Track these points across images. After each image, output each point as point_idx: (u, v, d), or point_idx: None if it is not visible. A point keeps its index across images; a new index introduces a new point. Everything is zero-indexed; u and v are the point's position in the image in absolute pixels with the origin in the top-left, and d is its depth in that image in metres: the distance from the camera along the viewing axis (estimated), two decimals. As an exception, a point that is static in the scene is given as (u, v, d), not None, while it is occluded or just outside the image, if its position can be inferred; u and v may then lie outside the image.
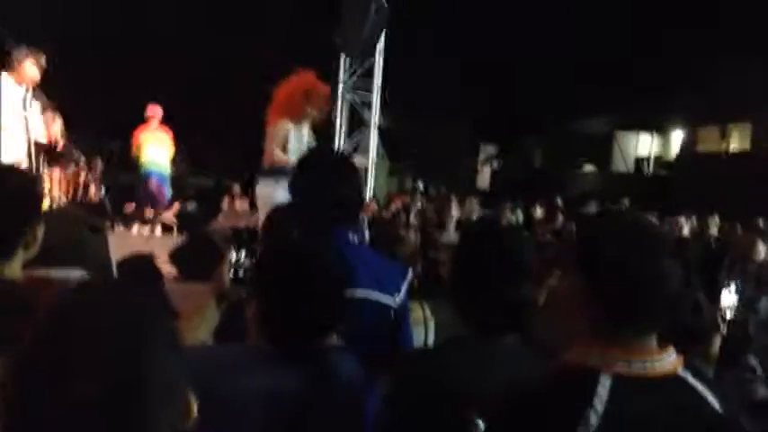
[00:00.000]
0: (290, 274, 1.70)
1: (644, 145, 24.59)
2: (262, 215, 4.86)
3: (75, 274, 1.72)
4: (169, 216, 10.40)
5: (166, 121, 9.40)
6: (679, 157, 21.41)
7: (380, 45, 9.24)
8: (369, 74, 9.52)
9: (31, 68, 6.01)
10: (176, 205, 10.64)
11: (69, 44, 12.18)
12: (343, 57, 9.31)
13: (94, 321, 0.85)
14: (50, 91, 6.56)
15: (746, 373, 2.91)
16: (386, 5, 8.48)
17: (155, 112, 9.40)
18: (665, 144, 23.92)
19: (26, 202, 1.60)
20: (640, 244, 1.25)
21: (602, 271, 1.25)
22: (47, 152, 6.28)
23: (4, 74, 6.01)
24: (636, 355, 1.24)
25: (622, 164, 24.21)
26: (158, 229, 9.88)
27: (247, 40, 12.62)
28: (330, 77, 9.54)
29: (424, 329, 2.92)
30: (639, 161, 24.37)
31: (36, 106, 6.18)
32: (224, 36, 12.74)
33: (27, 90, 6.05)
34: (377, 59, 9.40)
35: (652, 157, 24.00)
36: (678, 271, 1.27)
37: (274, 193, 4.85)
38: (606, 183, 20.68)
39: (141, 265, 2.02)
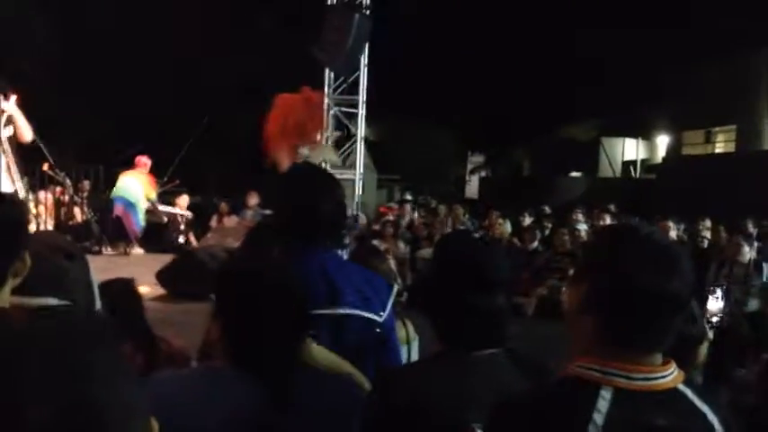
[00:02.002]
0: (245, 294, 1.66)
1: (630, 149, 24.76)
2: None
3: (53, 302, 1.71)
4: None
5: (151, 150, 9.96)
6: (665, 160, 21.56)
7: (364, 58, 9.25)
8: (354, 87, 9.53)
9: None
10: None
11: (59, 67, 12.18)
12: (327, 70, 9.32)
13: (42, 350, 0.85)
14: (38, 114, 6.58)
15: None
16: (368, 18, 8.50)
17: (143, 162, 10.08)
18: (652, 148, 24.09)
19: (14, 228, 1.58)
20: (654, 260, 1.23)
21: (612, 284, 1.23)
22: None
23: None
24: (638, 370, 1.23)
25: (610, 169, 24.36)
26: (136, 250, 10.03)
27: (235, 58, 12.65)
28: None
29: (407, 348, 2.91)
30: (626, 165, 24.53)
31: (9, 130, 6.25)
32: (211, 53, 12.77)
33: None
34: (361, 72, 9.41)
35: (639, 161, 24.16)
36: (689, 289, 1.25)
37: None
38: (594, 188, 20.78)
39: (121, 288, 2.00)
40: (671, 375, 1.26)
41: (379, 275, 2.57)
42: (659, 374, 1.24)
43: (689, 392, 1.26)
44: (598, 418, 1.19)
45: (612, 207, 11.54)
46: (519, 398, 1.34)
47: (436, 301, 1.77)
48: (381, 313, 2.23)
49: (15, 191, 6.26)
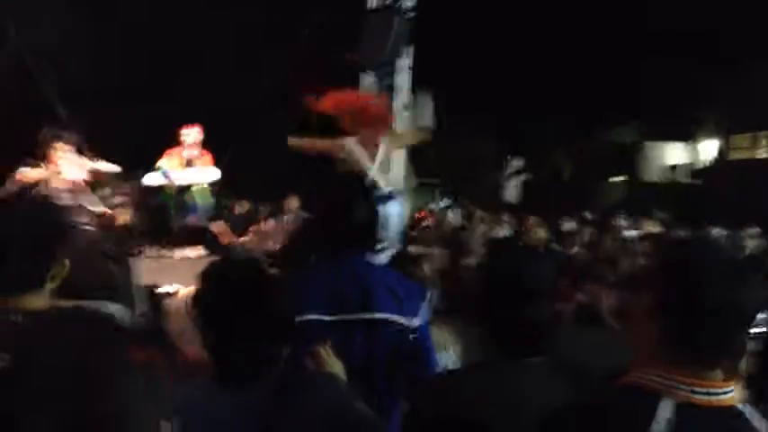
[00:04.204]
0: (223, 301, 1.66)
1: (674, 154, 24.30)
2: None
3: (104, 305, 1.76)
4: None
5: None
6: (711, 165, 21.12)
7: (403, 62, 9.26)
8: (390, 91, 9.53)
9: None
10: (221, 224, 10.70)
11: (98, 74, 12.46)
12: (364, 74, 9.35)
13: (60, 355, 0.87)
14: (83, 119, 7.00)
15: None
16: (408, 21, 8.51)
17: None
18: (696, 152, 23.62)
19: (51, 233, 1.62)
20: (723, 271, 1.24)
21: (680, 292, 1.24)
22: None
23: None
24: (701, 384, 1.22)
25: (653, 173, 23.94)
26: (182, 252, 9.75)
27: (272, 59, 12.77)
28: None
29: (445, 353, 2.91)
30: (670, 170, 24.09)
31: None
32: (246, 55, 12.90)
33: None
34: (401, 76, 9.42)
35: (683, 165, 23.70)
36: (756, 303, 1.25)
37: None
38: (636, 193, 20.45)
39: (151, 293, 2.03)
40: (731, 392, 1.25)
41: (414, 281, 2.60)
42: (720, 390, 1.24)
43: (747, 412, 1.25)
44: (657, 428, 1.18)
45: (660, 213, 11.33)
46: (577, 406, 1.34)
47: (484, 310, 1.78)
48: (416, 319, 2.25)
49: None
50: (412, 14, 8.59)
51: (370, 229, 2.28)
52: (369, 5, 8.92)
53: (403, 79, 9.41)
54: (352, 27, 8.75)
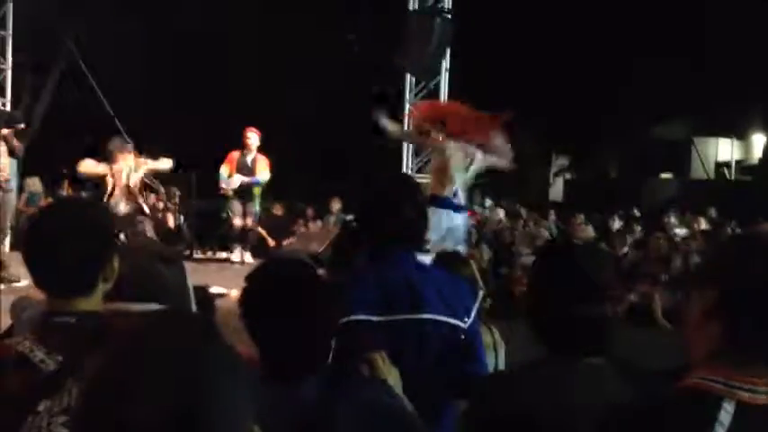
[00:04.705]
0: (272, 302, 1.67)
1: (724, 150, 23.71)
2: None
3: (154, 307, 1.78)
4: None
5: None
6: (762, 161, 20.53)
7: (446, 63, 9.26)
8: (435, 92, 9.55)
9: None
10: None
11: (151, 79, 12.72)
12: (408, 75, 9.38)
13: (160, 347, 0.87)
14: (135, 126, 7.40)
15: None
16: (449, 22, 8.50)
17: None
18: (747, 148, 23.01)
19: (102, 234, 1.64)
20: None
21: (744, 288, 1.20)
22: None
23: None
24: (764, 384, 1.19)
25: (702, 170, 23.39)
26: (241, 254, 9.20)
27: (313, 61, 12.87)
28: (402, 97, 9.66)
29: (494, 354, 2.88)
30: (720, 167, 23.50)
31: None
32: (293, 61, 13.02)
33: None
34: (443, 77, 9.43)
35: (733, 161, 23.11)
36: None
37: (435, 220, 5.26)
38: (686, 191, 19.99)
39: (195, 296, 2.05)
40: None
41: (463, 281, 2.57)
42: None
43: None
44: (720, 431, 1.15)
45: (713, 211, 11.04)
46: (635, 408, 1.31)
47: (542, 310, 1.76)
48: (466, 319, 2.22)
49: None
50: (452, 15, 8.59)
51: (418, 228, 2.26)
52: (410, 7, 8.94)
53: (443, 80, 9.41)
54: (395, 30, 8.79)
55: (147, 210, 7.91)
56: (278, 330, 1.64)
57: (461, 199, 5.99)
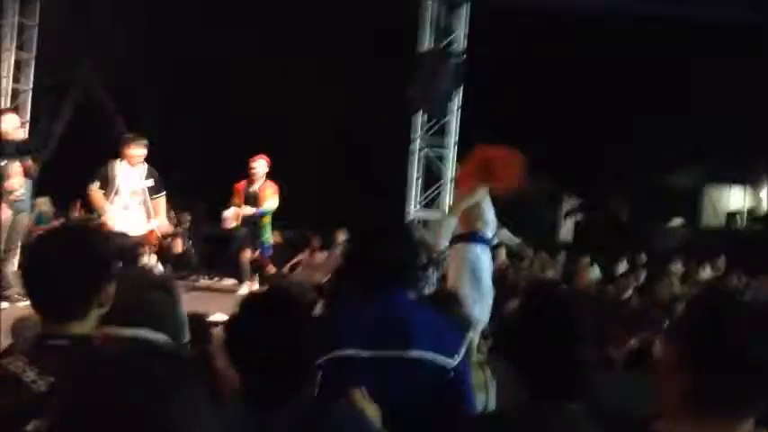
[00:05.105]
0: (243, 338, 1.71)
1: (736, 199, 23.66)
2: (452, 275, 5.57)
3: (145, 333, 1.83)
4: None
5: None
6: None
7: (457, 101, 9.37)
8: (445, 129, 9.65)
9: (136, 150, 7.19)
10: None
11: (167, 105, 12.91)
12: (420, 112, 9.49)
13: (128, 398, 0.89)
14: (151, 152, 7.38)
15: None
16: (462, 63, 8.64)
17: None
18: (758, 198, 22.96)
19: (100, 263, 1.69)
20: (753, 325, 1.23)
21: (712, 346, 1.23)
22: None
23: (118, 161, 7.16)
24: None
25: (713, 218, 23.33)
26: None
27: (327, 92, 13.02)
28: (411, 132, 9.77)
29: (485, 393, 2.90)
30: (731, 216, 23.43)
31: (150, 182, 7.29)
32: (302, 88, 13.16)
33: (138, 169, 7.21)
34: (453, 114, 9.53)
35: (745, 211, 23.05)
36: None
37: (468, 254, 5.47)
38: (696, 238, 19.91)
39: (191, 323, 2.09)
40: None
41: (453, 319, 2.60)
42: None
43: None
44: None
45: (721, 261, 10.91)
46: None
47: (522, 352, 1.79)
48: (455, 356, 2.25)
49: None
50: (463, 56, 8.72)
51: (409, 266, 2.31)
52: (421, 47, 9.10)
53: (454, 118, 9.51)
54: (407, 68, 8.93)
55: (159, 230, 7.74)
56: (258, 361, 1.68)
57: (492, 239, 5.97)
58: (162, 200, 7.50)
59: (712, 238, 19.54)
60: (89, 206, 8.06)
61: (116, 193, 7.12)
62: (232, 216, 8.57)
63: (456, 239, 5.72)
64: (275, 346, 1.69)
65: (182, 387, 0.92)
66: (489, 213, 5.80)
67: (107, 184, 7.10)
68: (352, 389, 1.91)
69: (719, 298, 1.35)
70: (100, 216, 7.10)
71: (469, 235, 5.66)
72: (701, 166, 22.82)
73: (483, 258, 5.57)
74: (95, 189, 7.12)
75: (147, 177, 7.30)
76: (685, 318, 1.35)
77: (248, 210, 8.52)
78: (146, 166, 7.33)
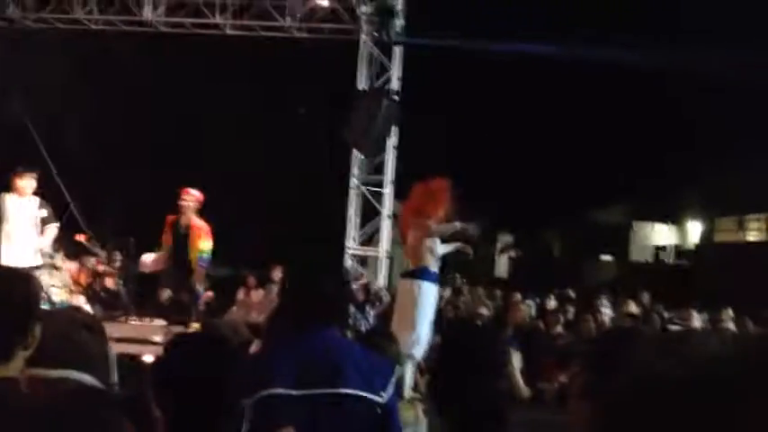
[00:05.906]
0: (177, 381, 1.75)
1: (661, 235, 24.57)
2: (400, 311, 5.72)
3: (73, 374, 1.82)
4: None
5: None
6: (699, 247, 21.32)
7: (392, 140, 9.53)
8: (381, 167, 9.79)
9: (27, 182, 7.12)
10: (209, 294, 10.09)
11: (96, 137, 12.68)
12: (354, 151, 9.61)
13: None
14: (75, 193, 7.24)
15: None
16: (396, 103, 8.81)
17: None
18: (683, 234, 23.90)
19: (22, 302, 1.68)
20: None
21: (604, 379, 1.29)
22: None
23: (7, 194, 7.13)
24: None
25: (641, 253, 24.12)
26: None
27: (262, 135, 13.05)
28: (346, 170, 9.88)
29: (413, 430, 2.94)
30: (658, 251, 24.28)
31: (43, 212, 7.28)
32: (242, 134, 13.19)
33: (30, 201, 7.17)
34: (390, 154, 9.68)
35: (671, 246, 23.93)
36: None
37: (417, 290, 5.61)
38: (624, 273, 20.55)
39: (125, 363, 2.08)
40: None
41: (384, 357, 2.66)
42: None
43: None
44: None
45: (645, 296, 11.25)
46: None
47: (435, 386, 1.85)
48: (383, 394, 2.30)
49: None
50: (399, 97, 8.92)
51: (339, 304, 2.36)
52: (359, 86, 9.25)
53: (390, 157, 9.66)
54: (344, 107, 9.06)
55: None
56: (181, 402, 1.69)
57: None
58: (53, 228, 7.52)
59: (640, 272, 20.20)
60: None
61: (6, 224, 7.13)
62: (151, 263, 8.40)
63: (405, 275, 5.90)
64: (198, 387, 1.70)
65: (110, 428, 0.95)
66: (438, 248, 5.98)
67: None
68: (282, 427, 1.93)
69: (619, 337, 1.41)
70: None
71: (419, 271, 5.81)
72: (629, 204, 23.66)
73: (429, 294, 5.71)
74: None
75: (40, 208, 7.32)
76: (587, 353, 1.42)
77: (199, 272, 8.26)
78: (37, 198, 7.33)
